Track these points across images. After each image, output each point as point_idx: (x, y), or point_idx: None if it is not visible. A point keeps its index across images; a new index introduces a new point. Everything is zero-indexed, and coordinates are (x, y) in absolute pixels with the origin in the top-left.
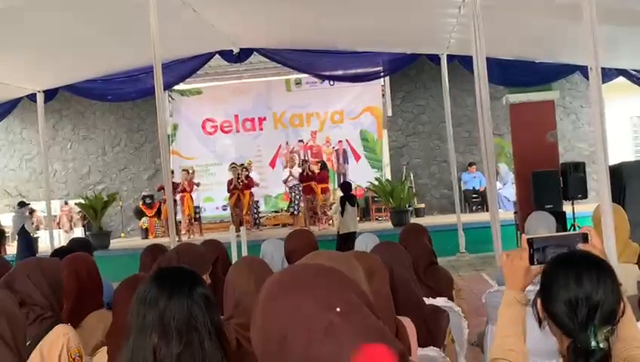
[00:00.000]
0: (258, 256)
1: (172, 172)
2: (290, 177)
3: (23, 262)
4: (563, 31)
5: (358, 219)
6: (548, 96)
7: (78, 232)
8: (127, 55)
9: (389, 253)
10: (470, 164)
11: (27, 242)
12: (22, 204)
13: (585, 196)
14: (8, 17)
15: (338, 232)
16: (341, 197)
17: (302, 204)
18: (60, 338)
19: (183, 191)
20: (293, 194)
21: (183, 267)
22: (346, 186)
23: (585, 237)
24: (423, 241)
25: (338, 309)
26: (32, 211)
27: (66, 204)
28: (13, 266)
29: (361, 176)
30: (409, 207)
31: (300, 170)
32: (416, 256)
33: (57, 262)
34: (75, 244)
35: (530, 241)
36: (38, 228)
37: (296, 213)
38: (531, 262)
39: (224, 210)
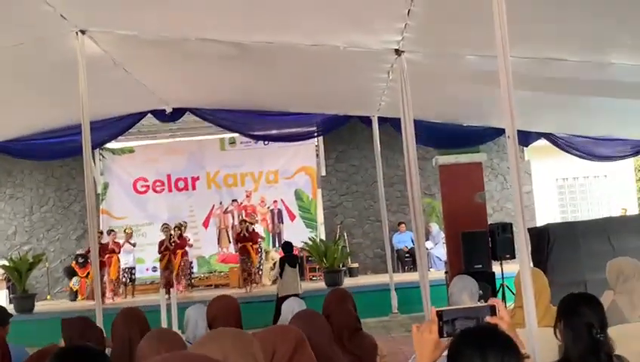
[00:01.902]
0: None
1: (101, 232)
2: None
3: None
4: (487, 96)
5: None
6: (476, 158)
7: (1, 294)
8: (56, 113)
9: (308, 323)
10: (400, 223)
11: None
12: None
13: (513, 256)
14: None
15: (277, 295)
16: (281, 258)
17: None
18: None
19: (111, 252)
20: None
21: (88, 347)
22: (286, 246)
23: (493, 310)
24: (347, 307)
25: None
26: None
27: None
28: None
29: (296, 235)
30: (343, 266)
31: (237, 230)
32: (340, 322)
33: None
34: None
35: (439, 313)
36: None
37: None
38: (440, 335)
39: (154, 271)
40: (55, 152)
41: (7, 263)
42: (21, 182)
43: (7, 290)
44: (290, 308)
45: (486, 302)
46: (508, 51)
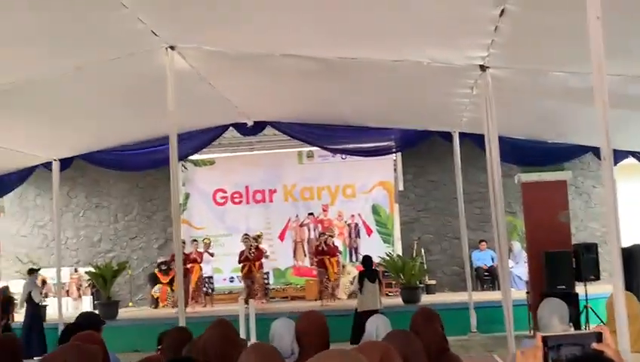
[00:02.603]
0: (267, 329)
1: (183, 242)
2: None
3: (62, 348)
4: (575, 113)
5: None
6: (560, 176)
7: (87, 301)
8: (143, 126)
9: (402, 342)
10: (481, 241)
11: (33, 310)
12: (31, 271)
13: (597, 277)
14: (27, 89)
15: (356, 310)
16: (360, 273)
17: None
18: None
19: (193, 261)
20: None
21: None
22: (366, 261)
23: (599, 337)
24: (436, 327)
25: None
26: (44, 281)
27: (76, 271)
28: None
29: (373, 250)
30: (420, 283)
31: (315, 244)
32: (428, 342)
33: (96, 349)
34: (84, 320)
35: (544, 339)
36: (46, 296)
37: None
38: (545, 361)
39: (231, 281)
40: (142, 163)
41: (92, 270)
42: (107, 192)
43: (92, 296)
44: (375, 325)
45: (572, 324)
46: (604, 69)
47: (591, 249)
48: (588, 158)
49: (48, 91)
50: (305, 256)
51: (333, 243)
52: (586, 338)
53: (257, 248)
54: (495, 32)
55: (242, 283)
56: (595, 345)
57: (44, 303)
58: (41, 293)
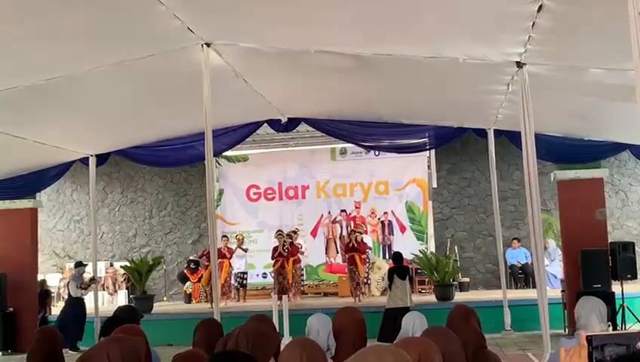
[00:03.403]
0: (301, 326)
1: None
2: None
3: (105, 340)
4: (612, 110)
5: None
6: (596, 173)
7: (122, 295)
8: (179, 122)
9: (440, 339)
10: (513, 239)
11: (71, 303)
12: (77, 265)
13: (634, 276)
14: (64, 86)
15: (386, 307)
16: (389, 269)
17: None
18: None
19: (223, 257)
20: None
21: (238, 353)
22: (396, 257)
23: None
24: (473, 325)
25: None
26: (93, 278)
27: (111, 265)
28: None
29: (406, 247)
30: (453, 281)
31: (346, 240)
32: (465, 339)
33: (140, 342)
34: (123, 314)
35: (589, 339)
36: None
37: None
38: (590, 360)
39: (264, 277)
40: (177, 159)
41: (128, 264)
42: (142, 187)
43: (127, 290)
44: (411, 322)
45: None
46: None
47: (628, 247)
48: (624, 156)
49: (85, 88)
50: (337, 252)
51: (362, 240)
52: (630, 338)
53: (292, 244)
54: (532, 28)
55: (274, 279)
56: None
57: (81, 296)
58: (80, 286)
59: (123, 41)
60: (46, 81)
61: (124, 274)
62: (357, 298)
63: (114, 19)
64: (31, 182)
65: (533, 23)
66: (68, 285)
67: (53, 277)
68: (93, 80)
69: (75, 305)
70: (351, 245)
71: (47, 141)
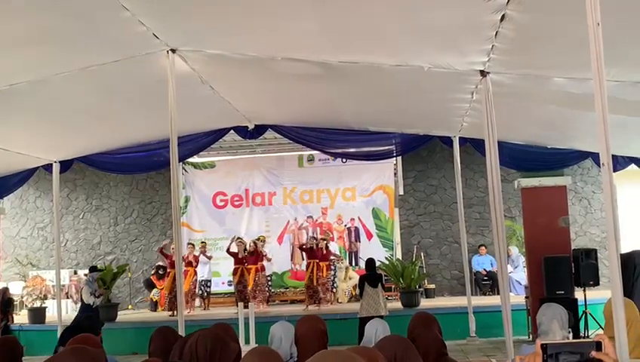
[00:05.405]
0: (267, 333)
1: None
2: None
3: (65, 350)
4: (574, 118)
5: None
6: (560, 181)
7: None
8: (144, 129)
9: (397, 347)
10: (480, 246)
11: (84, 310)
12: (92, 269)
13: (597, 283)
14: (27, 91)
15: (358, 315)
16: (360, 277)
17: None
18: None
19: (188, 265)
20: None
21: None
22: (368, 264)
23: (599, 346)
24: (434, 332)
25: None
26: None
27: (75, 273)
28: None
29: (373, 254)
30: (419, 287)
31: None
32: (426, 346)
33: (100, 353)
34: (83, 322)
35: (544, 347)
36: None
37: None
38: None
39: (229, 285)
40: (142, 166)
41: None
42: (107, 194)
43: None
44: (374, 330)
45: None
46: (604, 75)
47: (590, 254)
48: (588, 164)
49: (49, 94)
50: (303, 259)
51: (326, 247)
52: (585, 347)
53: (254, 251)
54: (496, 37)
55: (234, 287)
56: (594, 354)
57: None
58: (94, 294)
59: (88, 46)
60: (9, 87)
61: None
62: (308, 306)
63: (78, 25)
64: None
65: (497, 33)
66: (81, 291)
67: (16, 286)
68: (57, 86)
69: (86, 312)
70: (309, 247)
71: (9, 147)
